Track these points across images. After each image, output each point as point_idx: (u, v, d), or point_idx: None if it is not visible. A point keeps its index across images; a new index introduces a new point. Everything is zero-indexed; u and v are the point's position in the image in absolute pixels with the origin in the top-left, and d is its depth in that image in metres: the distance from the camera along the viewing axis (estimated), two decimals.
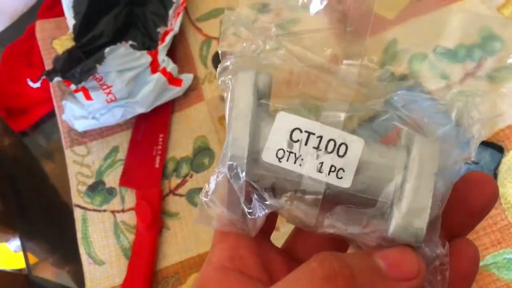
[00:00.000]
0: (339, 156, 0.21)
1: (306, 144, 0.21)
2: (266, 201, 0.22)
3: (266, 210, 0.22)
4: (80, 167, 0.58)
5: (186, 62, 0.60)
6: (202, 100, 0.58)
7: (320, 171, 0.21)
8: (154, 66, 0.55)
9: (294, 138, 0.21)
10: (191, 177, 0.55)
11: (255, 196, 0.22)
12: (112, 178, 0.56)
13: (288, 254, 0.27)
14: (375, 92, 0.24)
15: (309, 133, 0.21)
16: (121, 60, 0.52)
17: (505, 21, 0.52)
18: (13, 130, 0.65)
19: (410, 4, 0.56)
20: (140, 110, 0.55)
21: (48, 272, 0.62)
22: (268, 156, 0.21)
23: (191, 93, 0.58)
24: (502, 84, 0.50)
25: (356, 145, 0.21)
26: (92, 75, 0.51)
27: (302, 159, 0.21)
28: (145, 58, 0.54)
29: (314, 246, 0.26)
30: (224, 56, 0.24)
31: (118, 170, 0.57)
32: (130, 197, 0.55)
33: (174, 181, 0.55)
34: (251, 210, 0.22)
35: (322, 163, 0.21)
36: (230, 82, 0.23)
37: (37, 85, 0.55)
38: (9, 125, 0.65)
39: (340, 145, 0.21)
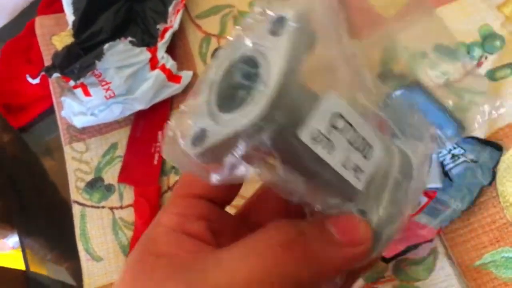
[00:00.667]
0: (364, 157, 0.20)
1: (342, 134, 0.19)
2: (280, 172, 0.19)
3: (261, 174, 0.19)
4: (78, 163, 0.58)
5: (185, 59, 0.60)
6: None
7: (344, 166, 0.20)
8: (153, 63, 0.55)
9: (335, 125, 0.19)
10: None
11: (259, 161, 0.19)
12: (111, 175, 0.56)
13: (241, 220, 0.27)
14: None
15: (349, 124, 0.19)
16: (120, 57, 0.52)
17: (505, 20, 0.52)
18: (12, 127, 0.65)
19: (410, 2, 0.56)
20: (139, 106, 0.55)
21: (46, 268, 0.62)
22: (305, 134, 0.19)
23: (190, 90, 0.58)
24: (502, 83, 0.50)
25: (379, 151, 0.21)
26: (91, 71, 0.51)
27: (334, 149, 0.19)
28: (144, 54, 0.54)
29: (269, 213, 0.26)
30: None
31: (116, 167, 0.57)
32: (128, 194, 0.55)
33: (173, 178, 0.55)
34: (235, 165, 0.19)
35: (349, 158, 0.20)
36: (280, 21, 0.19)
37: (36, 81, 0.54)
38: (8, 121, 0.65)
39: (367, 146, 0.20)
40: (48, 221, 0.63)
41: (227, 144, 0.19)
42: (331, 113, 0.19)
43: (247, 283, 0.20)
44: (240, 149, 0.18)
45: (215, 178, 0.20)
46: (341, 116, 0.19)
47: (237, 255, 0.21)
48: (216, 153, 0.19)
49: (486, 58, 0.52)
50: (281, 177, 0.19)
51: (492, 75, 0.51)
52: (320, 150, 0.19)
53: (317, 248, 0.21)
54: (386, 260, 0.44)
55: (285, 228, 0.21)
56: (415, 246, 0.44)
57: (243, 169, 0.19)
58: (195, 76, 0.58)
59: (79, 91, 0.53)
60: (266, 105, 0.18)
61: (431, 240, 0.44)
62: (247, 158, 0.19)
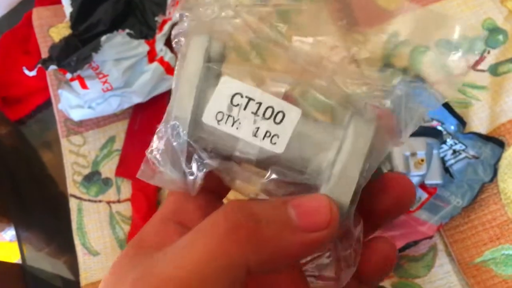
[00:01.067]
0: (275, 123, 0.22)
1: (245, 109, 0.22)
2: (205, 161, 0.22)
3: (204, 170, 0.22)
4: (76, 157, 0.57)
5: None
6: None
7: (255, 135, 0.22)
8: (151, 56, 0.54)
9: (234, 103, 0.22)
10: None
11: (195, 156, 0.22)
12: (108, 169, 0.56)
13: None
14: (322, 71, 0.24)
15: (249, 99, 0.22)
16: (118, 49, 0.51)
17: (508, 14, 0.51)
18: (9, 119, 0.64)
19: None
20: (137, 99, 0.54)
21: (43, 262, 0.62)
22: (208, 118, 0.22)
23: None
24: (505, 78, 0.49)
25: (293, 114, 0.22)
26: (88, 63, 0.50)
27: (239, 123, 0.22)
28: (142, 47, 0.53)
29: None
30: (182, 18, 0.24)
31: (114, 161, 0.56)
32: (126, 188, 0.54)
33: None
34: (190, 170, 0.22)
35: (258, 128, 0.22)
36: (182, 44, 0.23)
37: (33, 73, 0.54)
38: (6, 114, 0.64)
39: (277, 113, 0.22)
40: (46, 214, 0.63)
41: (172, 152, 0.22)
42: (229, 94, 0.22)
43: (191, 272, 0.19)
44: (180, 150, 0.22)
45: (189, 188, 0.22)
46: (240, 94, 0.22)
47: (183, 243, 0.20)
48: (175, 164, 0.22)
49: (488, 52, 0.51)
50: (212, 166, 0.22)
51: (494, 69, 0.50)
52: (226, 127, 0.22)
53: (270, 233, 0.19)
54: None
55: (233, 212, 0.20)
56: (415, 243, 0.44)
57: (198, 171, 0.22)
58: None
59: (76, 84, 0.52)
60: (171, 104, 0.21)
61: (431, 237, 0.44)
62: (189, 160, 0.22)
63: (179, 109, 0.21)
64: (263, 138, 0.22)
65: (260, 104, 0.22)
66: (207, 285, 0.19)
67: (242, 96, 0.22)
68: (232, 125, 0.22)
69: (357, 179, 0.21)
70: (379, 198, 0.23)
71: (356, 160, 0.21)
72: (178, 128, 0.22)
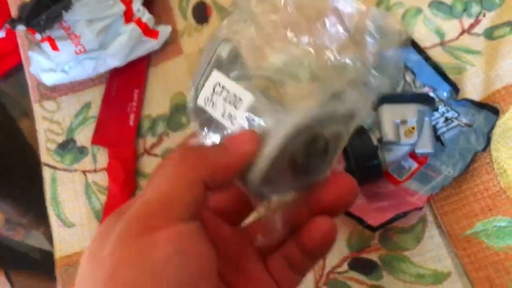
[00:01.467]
0: (235, 107, 0.28)
1: (220, 95, 0.28)
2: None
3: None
4: (49, 123, 0.54)
5: (163, 12, 0.56)
6: (180, 54, 0.54)
7: (223, 115, 0.28)
8: (128, 16, 0.51)
9: (215, 90, 0.29)
10: (167, 136, 0.51)
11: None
12: (84, 136, 0.53)
13: None
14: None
15: (224, 88, 0.28)
16: (91, 8, 0.48)
17: None
18: None
19: None
20: (113, 63, 0.52)
21: (22, 234, 0.60)
22: (199, 100, 0.29)
23: (169, 46, 0.54)
24: (500, 42, 0.47)
25: (247, 99, 0.28)
26: (58, 22, 0.47)
27: (215, 106, 0.28)
28: (118, 6, 0.50)
29: None
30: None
31: (90, 128, 0.53)
32: (102, 157, 0.52)
33: (150, 140, 0.52)
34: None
35: (225, 110, 0.28)
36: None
37: (1, 34, 0.51)
38: None
39: (238, 99, 0.28)
40: (22, 183, 0.61)
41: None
42: (214, 83, 0.29)
43: (160, 194, 0.24)
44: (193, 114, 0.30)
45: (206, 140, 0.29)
46: (219, 84, 0.29)
47: (149, 181, 0.25)
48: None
49: (484, 15, 0.49)
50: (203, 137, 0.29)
51: (490, 33, 0.48)
52: (208, 108, 0.29)
53: (212, 154, 0.26)
54: (373, 229, 0.42)
55: (183, 147, 0.27)
56: (404, 214, 0.42)
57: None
58: (174, 31, 0.55)
59: (46, 45, 0.49)
60: (194, 90, 0.29)
61: (421, 208, 0.42)
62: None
63: (194, 87, 0.29)
64: (227, 118, 0.28)
65: (228, 92, 0.28)
66: (175, 202, 0.24)
67: (219, 86, 0.29)
68: (211, 107, 0.28)
69: (272, 156, 0.26)
70: (323, 194, 0.28)
71: (276, 143, 0.27)
72: (191, 101, 0.29)
